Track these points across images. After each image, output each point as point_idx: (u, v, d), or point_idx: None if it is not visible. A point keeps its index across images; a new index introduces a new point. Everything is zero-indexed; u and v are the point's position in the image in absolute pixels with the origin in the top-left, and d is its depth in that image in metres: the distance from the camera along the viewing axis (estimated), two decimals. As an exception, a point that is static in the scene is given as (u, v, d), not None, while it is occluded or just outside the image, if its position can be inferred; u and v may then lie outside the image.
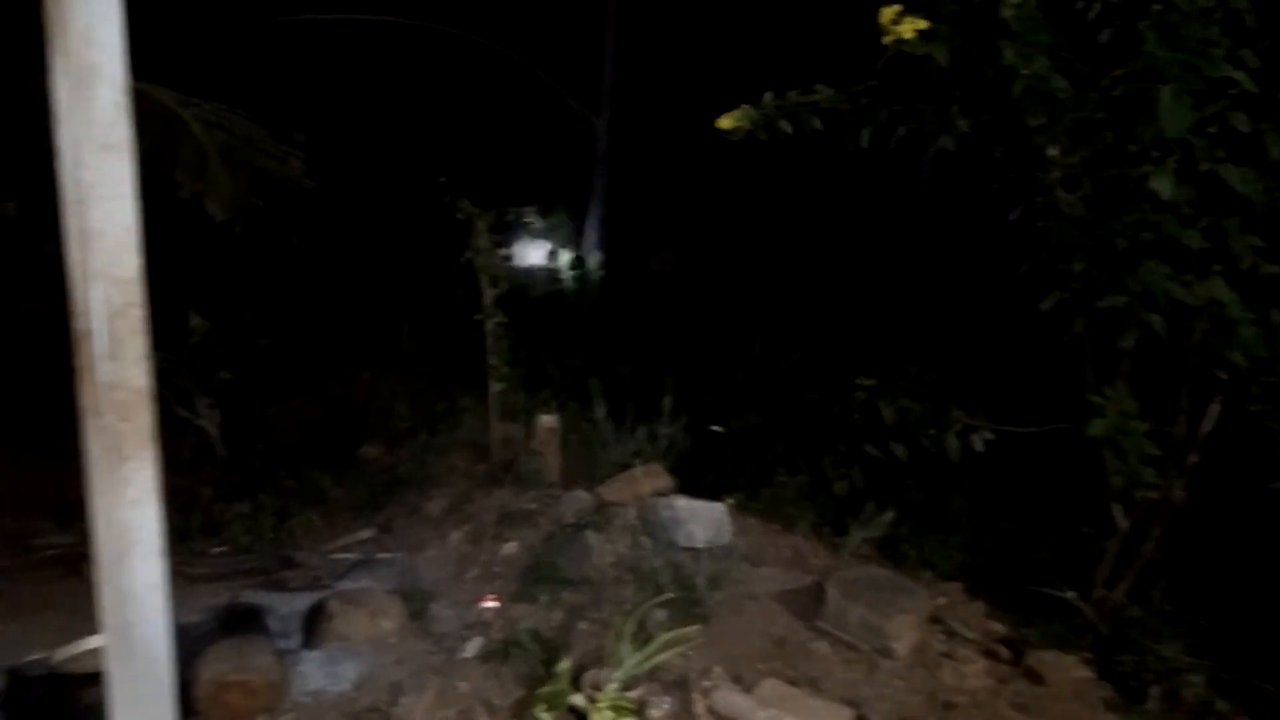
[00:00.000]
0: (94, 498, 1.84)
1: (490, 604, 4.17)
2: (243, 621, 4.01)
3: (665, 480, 5.02)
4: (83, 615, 4.29)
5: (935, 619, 3.93)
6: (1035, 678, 3.56)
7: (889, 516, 4.62)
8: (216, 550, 4.99)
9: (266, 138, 5.18)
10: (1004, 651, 3.76)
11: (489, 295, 5.90)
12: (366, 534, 5.10)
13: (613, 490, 4.87)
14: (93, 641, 3.30)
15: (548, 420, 5.67)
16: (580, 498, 5.00)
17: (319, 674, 3.75)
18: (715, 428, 6.24)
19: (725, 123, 4.00)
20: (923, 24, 3.26)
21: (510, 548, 4.68)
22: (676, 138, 10.73)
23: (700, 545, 4.38)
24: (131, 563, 1.84)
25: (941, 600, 4.09)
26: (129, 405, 1.82)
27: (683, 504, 4.49)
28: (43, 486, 5.87)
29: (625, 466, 5.33)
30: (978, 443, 4.03)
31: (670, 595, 3.88)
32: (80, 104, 1.72)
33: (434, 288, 7.77)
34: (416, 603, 4.17)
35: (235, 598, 4.40)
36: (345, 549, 4.95)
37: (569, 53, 12.14)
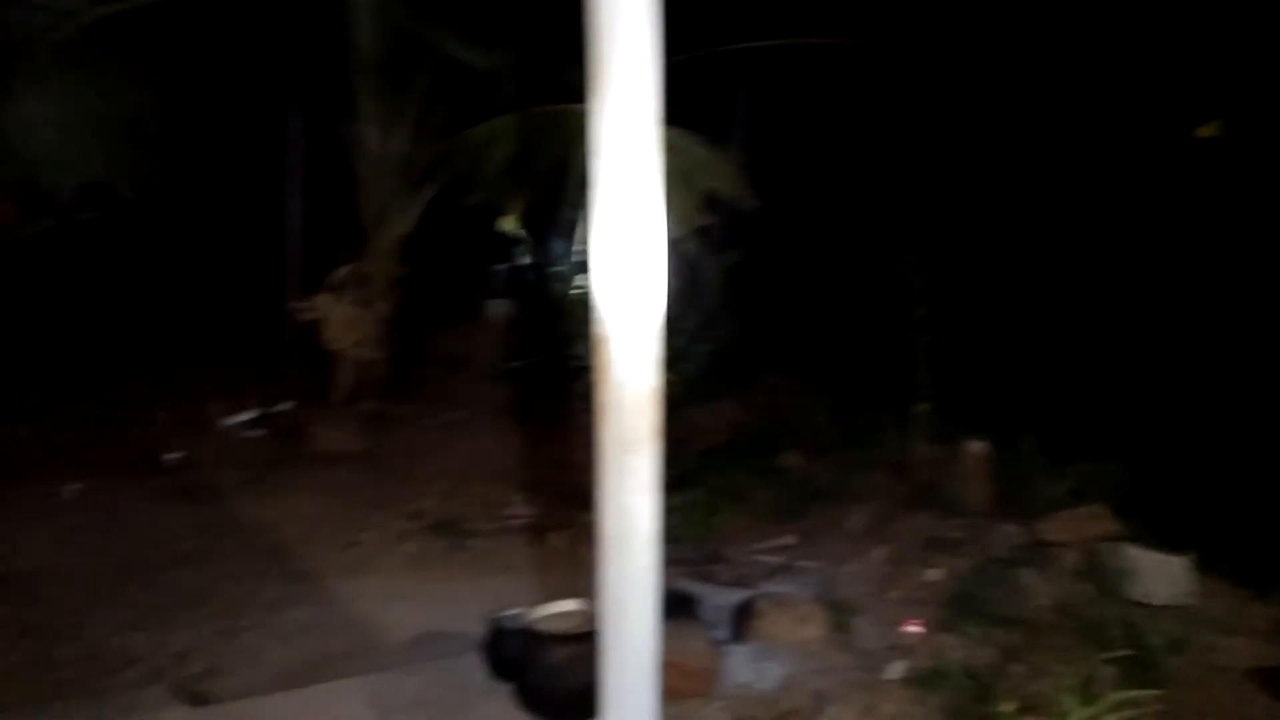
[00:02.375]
0: (603, 484, 2.06)
1: (914, 629, 4.10)
2: (679, 607, 4.30)
3: (1111, 524, 4.61)
4: (544, 580, 4.90)
5: None
6: None
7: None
8: (653, 538, 5.39)
9: (717, 160, 5.52)
10: None
11: (920, 313, 5.82)
12: (788, 540, 5.24)
13: (1051, 528, 4.57)
14: (562, 605, 3.71)
15: (977, 446, 5.45)
16: (1011, 531, 4.76)
17: (745, 669, 3.93)
18: None
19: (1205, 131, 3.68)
20: None
21: (934, 573, 4.57)
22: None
23: (1155, 602, 3.98)
24: (631, 546, 2.04)
25: None
26: (639, 403, 2.02)
27: (1135, 553, 4.10)
28: (511, 460, 6.76)
29: (1059, 503, 4.98)
30: None
31: (1120, 653, 3.56)
32: (616, 137, 1.94)
33: (860, 303, 7.78)
34: (839, 615, 4.21)
35: (670, 584, 4.72)
36: (768, 551, 5.13)
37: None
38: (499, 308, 9.21)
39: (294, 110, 7.78)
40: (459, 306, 9.29)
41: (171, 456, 6.42)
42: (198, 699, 3.72)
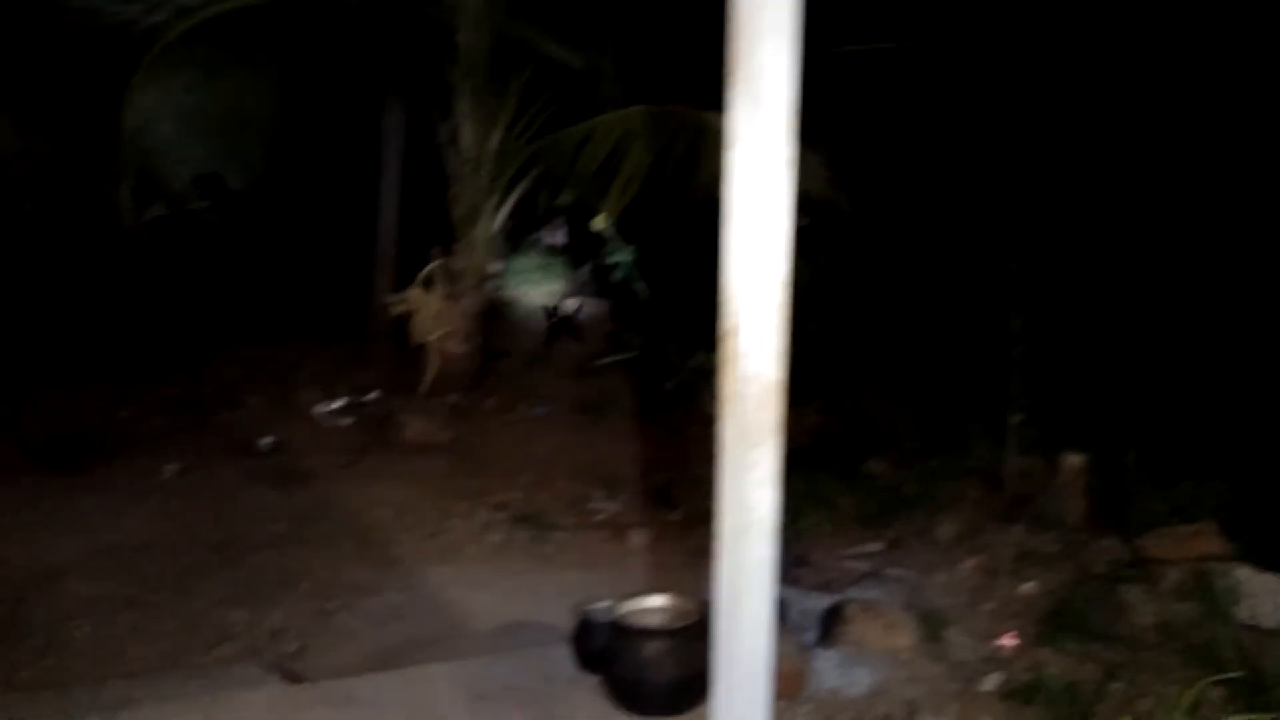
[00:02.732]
0: (723, 477, 2.06)
1: (1009, 642, 4.00)
2: (766, 609, 4.26)
3: (1217, 543, 4.43)
4: (625, 576, 4.90)
5: None
6: None
7: None
8: (736, 538, 5.36)
9: (810, 160, 5.45)
10: None
11: (1016, 322, 5.68)
12: (874, 547, 5.16)
13: (1153, 545, 4.42)
14: (651, 600, 3.70)
15: (1074, 459, 5.29)
16: (1110, 547, 4.61)
17: (834, 673, 3.87)
18: None
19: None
20: None
21: (1029, 587, 4.45)
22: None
23: (1265, 624, 3.82)
24: (749, 539, 2.03)
25: None
26: (763, 396, 2.01)
27: (1245, 574, 3.94)
28: (593, 456, 6.78)
29: (1161, 520, 4.81)
30: None
31: (1229, 675, 3.42)
32: (752, 127, 1.93)
33: (952, 309, 7.65)
34: (930, 625, 4.12)
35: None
36: (854, 558, 5.05)
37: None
38: (587, 305, 9.29)
39: (392, 107, 7.94)
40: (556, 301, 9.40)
41: (265, 441, 6.60)
42: (292, 676, 3.80)
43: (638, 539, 5.36)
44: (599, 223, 5.72)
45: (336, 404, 7.27)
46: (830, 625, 4.15)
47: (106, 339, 7.65)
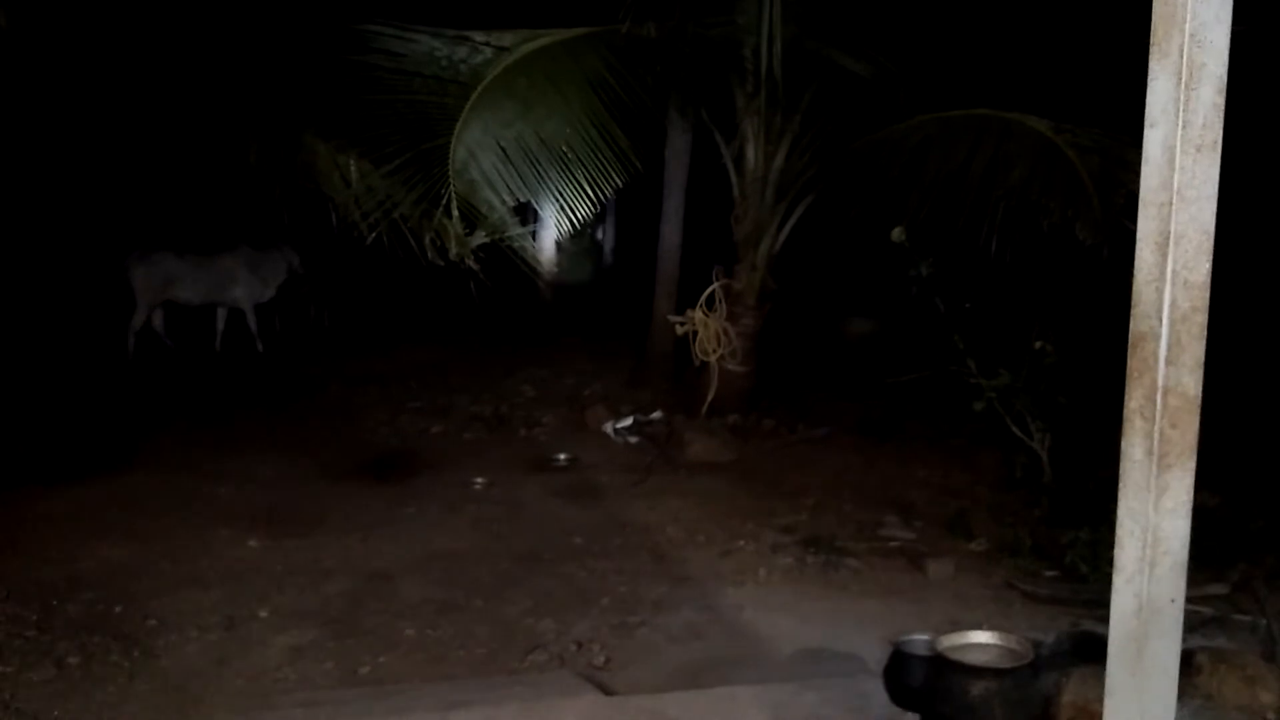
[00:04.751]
0: (1125, 500, 1.87)
1: (1406, 709, 3.41)
2: (1095, 650, 3.89)
3: None
4: (928, 609, 4.64)
5: None
6: None
7: None
8: (1048, 573, 4.97)
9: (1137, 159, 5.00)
10: None
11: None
12: (1217, 589, 4.61)
13: None
14: (975, 635, 3.46)
15: None
16: None
17: (1181, 729, 3.46)
18: None
19: None
20: None
21: None
22: None
23: None
24: (1156, 573, 1.83)
25: None
26: (1179, 412, 1.81)
27: None
28: (879, 480, 6.55)
29: None
30: None
31: None
32: (1179, 105, 1.74)
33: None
34: (1302, 682, 3.60)
35: (1076, 625, 4.32)
36: (1194, 601, 4.51)
37: None
38: (866, 323, 9.05)
39: (674, 131, 8.12)
40: (824, 321, 9.25)
41: (561, 457, 6.91)
42: (603, 688, 3.88)
43: (938, 570, 5.09)
44: (896, 235, 5.52)
45: (623, 422, 7.50)
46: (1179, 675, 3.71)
47: (425, 361, 8.33)
